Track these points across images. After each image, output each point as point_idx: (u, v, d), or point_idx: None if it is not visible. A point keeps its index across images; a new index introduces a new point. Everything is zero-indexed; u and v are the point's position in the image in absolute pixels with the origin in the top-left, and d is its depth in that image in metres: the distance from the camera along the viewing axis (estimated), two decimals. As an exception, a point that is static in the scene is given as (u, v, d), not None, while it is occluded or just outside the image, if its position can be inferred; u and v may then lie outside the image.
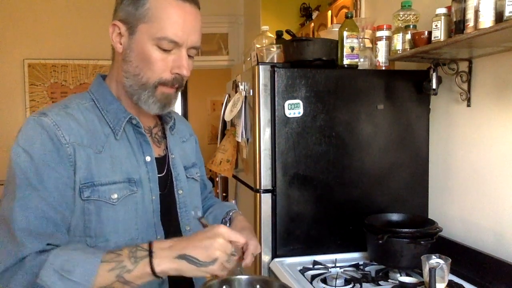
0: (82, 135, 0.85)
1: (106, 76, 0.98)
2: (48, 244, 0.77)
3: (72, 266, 0.71)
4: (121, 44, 0.89)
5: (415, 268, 1.48)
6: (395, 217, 1.66)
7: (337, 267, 1.56)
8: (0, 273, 0.74)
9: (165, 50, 0.87)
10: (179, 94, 0.96)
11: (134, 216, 0.89)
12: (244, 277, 0.88)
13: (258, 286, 0.86)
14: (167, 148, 1.04)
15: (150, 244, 0.75)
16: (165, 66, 0.88)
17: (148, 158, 0.94)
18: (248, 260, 0.95)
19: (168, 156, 1.03)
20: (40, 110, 0.86)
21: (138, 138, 0.94)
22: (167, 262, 0.74)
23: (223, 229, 0.78)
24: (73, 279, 0.70)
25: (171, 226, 0.97)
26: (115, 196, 0.85)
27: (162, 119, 1.05)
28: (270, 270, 1.66)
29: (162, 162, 1.00)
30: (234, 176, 2.14)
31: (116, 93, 0.94)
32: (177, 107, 5.29)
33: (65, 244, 0.80)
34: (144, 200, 0.91)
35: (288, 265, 1.60)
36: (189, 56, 0.91)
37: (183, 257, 0.73)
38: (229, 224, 1.12)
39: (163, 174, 0.99)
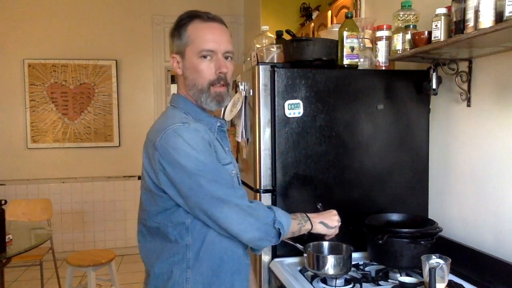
0: (207, 134, 1.18)
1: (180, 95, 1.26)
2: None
3: (285, 220, 1.20)
4: (180, 68, 1.22)
5: (415, 268, 1.48)
6: (395, 217, 1.66)
7: (337, 267, 1.56)
8: (261, 234, 1.15)
9: (205, 57, 1.18)
10: (228, 92, 1.24)
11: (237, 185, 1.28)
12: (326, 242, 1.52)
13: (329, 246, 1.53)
14: None
15: (307, 215, 1.30)
16: (210, 70, 1.18)
17: (227, 148, 1.29)
18: None
19: None
20: (181, 121, 1.14)
21: (220, 134, 1.28)
22: (316, 224, 1.30)
23: (335, 211, 1.39)
24: (288, 226, 1.20)
25: None
26: (234, 172, 1.25)
27: None
28: (270, 270, 1.66)
29: None
30: (234, 176, 2.13)
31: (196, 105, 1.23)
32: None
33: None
34: (237, 174, 1.32)
35: (288, 265, 1.60)
36: (226, 59, 1.21)
37: (322, 223, 1.32)
38: None
39: None
